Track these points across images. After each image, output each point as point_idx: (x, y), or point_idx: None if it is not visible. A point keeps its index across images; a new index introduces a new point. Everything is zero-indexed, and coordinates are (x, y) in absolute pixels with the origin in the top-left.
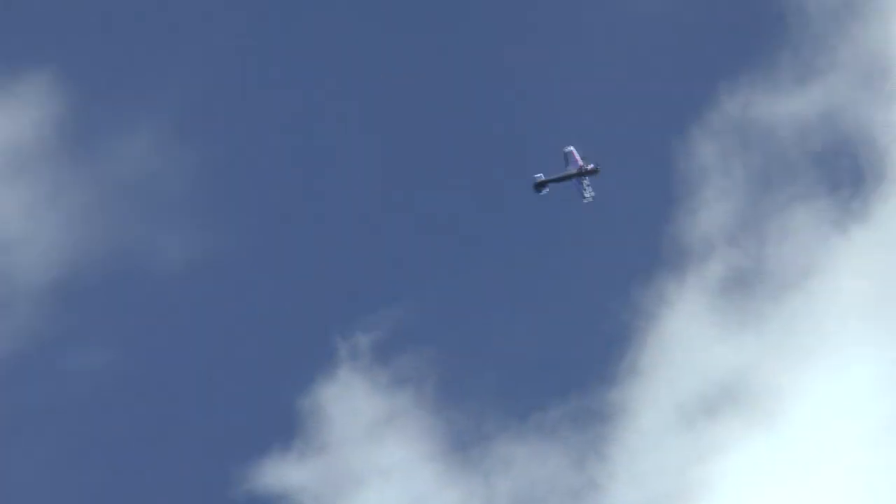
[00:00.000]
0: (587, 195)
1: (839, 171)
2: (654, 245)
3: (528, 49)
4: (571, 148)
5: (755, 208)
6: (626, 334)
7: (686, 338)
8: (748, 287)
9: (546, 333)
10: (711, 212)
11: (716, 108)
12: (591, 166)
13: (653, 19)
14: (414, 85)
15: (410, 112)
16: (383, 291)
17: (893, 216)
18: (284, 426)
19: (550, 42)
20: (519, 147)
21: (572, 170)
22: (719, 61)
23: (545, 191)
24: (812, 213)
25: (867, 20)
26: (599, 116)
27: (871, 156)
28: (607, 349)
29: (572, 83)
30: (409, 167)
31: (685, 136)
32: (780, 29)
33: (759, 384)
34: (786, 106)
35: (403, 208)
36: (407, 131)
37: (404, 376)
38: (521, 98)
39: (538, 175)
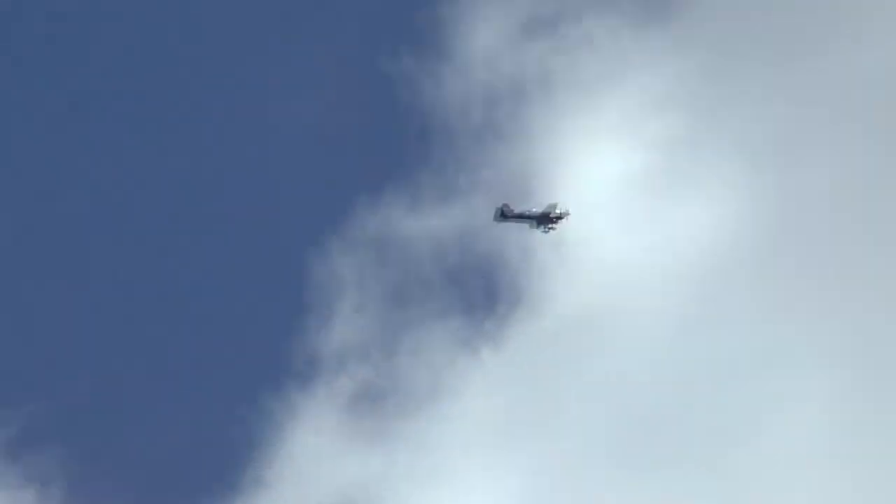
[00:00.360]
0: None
1: (474, 292)
2: (285, 355)
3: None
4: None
5: (388, 324)
6: (253, 444)
7: (313, 451)
8: (378, 403)
9: (172, 440)
10: (345, 325)
11: (354, 222)
12: (559, 211)
13: (298, 130)
14: None
15: None
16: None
17: (525, 340)
18: None
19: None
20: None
21: (536, 211)
22: (360, 175)
23: (507, 221)
24: (445, 332)
25: (509, 142)
26: (235, 224)
27: (506, 278)
28: (234, 458)
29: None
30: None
31: (322, 248)
32: (423, 147)
33: (385, 502)
34: (425, 223)
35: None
36: None
37: (31, 475)
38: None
39: (505, 204)
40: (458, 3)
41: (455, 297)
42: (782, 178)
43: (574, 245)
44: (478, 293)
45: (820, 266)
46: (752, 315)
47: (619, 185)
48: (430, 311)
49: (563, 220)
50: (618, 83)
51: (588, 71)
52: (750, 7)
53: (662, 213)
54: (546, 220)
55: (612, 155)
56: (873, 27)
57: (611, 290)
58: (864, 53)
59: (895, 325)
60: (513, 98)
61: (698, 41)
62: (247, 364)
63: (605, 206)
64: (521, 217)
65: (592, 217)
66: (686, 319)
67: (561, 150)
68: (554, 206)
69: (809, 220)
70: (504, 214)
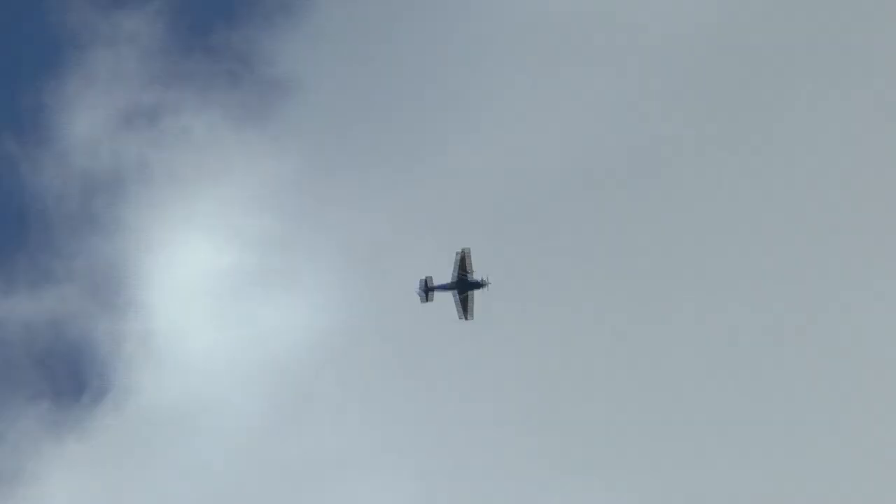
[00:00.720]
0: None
1: (62, 379)
2: None
3: None
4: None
5: None
6: None
7: None
8: None
9: None
10: None
11: None
12: (481, 278)
13: None
14: None
15: None
16: None
17: (111, 429)
18: None
19: None
20: None
21: (457, 278)
22: None
23: (431, 297)
24: (31, 418)
25: (105, 231)
26: None
27: (95, 367)
28: None
29: None
30: None
31: None
32: (20, 231)
33: None
34: (16, 308)
35: None
36: None
37: None
38: None
39: (428, 277)
40: (61, 89)
41: (43, 383)
42: (374, 279)
43: (164, 337)
44: (66, 381)
45: (402, 366)
46: (338, 413)
47: (212, 279)
48: (17, 395)
49: (485, 288)
50: (215, 179)
51: (186, 165)
52: (346, 113)
53: (254, 309)
54: (465, 286)
55: (206, 250)
56: (468, 138)
57: (199, 383)
58: (453, 159)
59: (459, 438)
60: (110, 187)
61: (296, 143)
62: None
63: (198, 300)
64: (444, 288)
65: (184, 310)
66: (273, 415)
67: (156, 242)
68: (472, 274)
69: (399, 323)
70: (427, 288)
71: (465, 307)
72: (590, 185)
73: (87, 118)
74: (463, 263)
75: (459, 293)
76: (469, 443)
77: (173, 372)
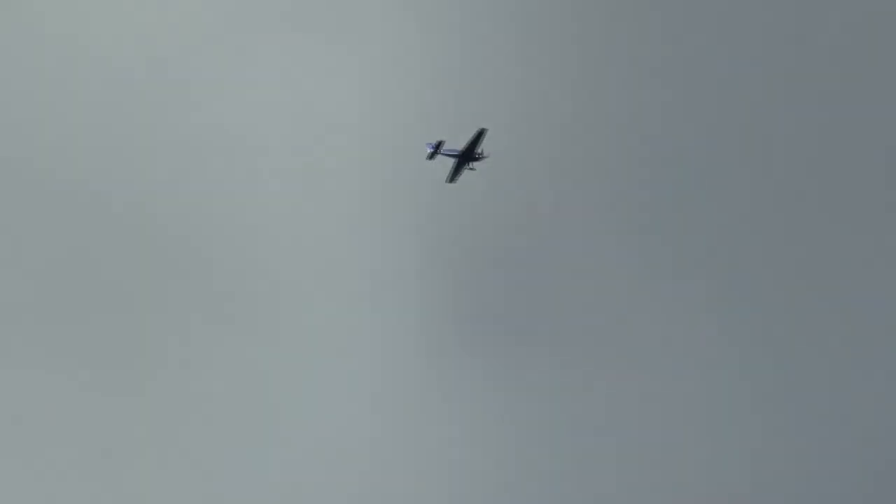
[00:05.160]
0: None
1: None
2: None
3: None
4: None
5: None
6: None
7: None
8: None
9: None
10: None
11: None
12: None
13: None
14: None
15: None
16: None
17: None
18: None
19: None
20: None
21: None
22: None
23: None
24: None
25: None
26: None
27: None
28: None
29: None
30: None
31: None
32: None
33: None
34: None
35: None
36: None
37: None
38: None
39: (442, 141)
40: None
41: None
42: None
43: None
44: None
45: None
46: None
47: None
48: None
49: (482, 160)
50: None
51: None
52: None
53: None
54: (470, 157)
55: None
56: None
57: None
58: None
59: None
60: None
61: None
62: None
63: None
64: (451, 154)
65: None
66: None
67: None
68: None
69: None
70: (438, 149)
71: (455, 172)
72: None
73: None
74: (476, 140)
75: (459, 162)
76: None
77: None
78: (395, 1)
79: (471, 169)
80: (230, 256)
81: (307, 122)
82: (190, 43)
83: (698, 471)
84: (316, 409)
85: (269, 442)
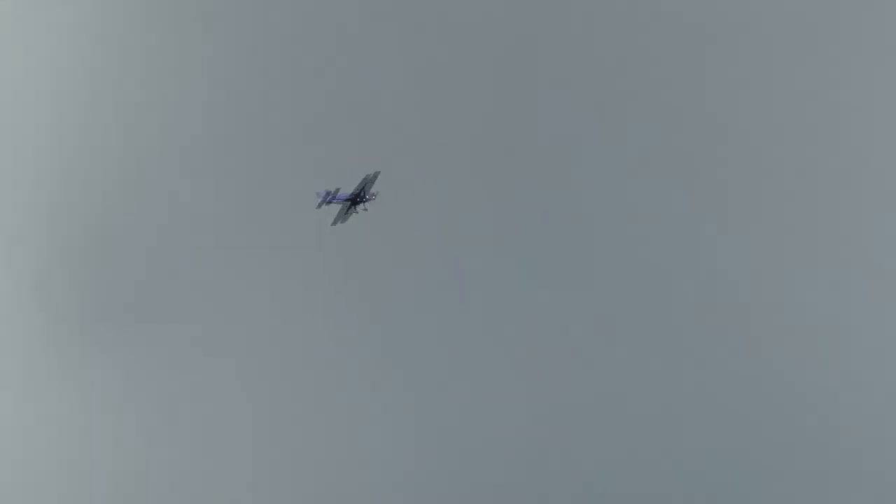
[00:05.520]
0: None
1: None
2: None
3: None
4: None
5: None
6: None
7: None
8: None
9: None
10: None
11: None
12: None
13: None
14: None
15: None
16: None
17: None
18: None
19: None
20: None
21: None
22: None
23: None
24: None
25: None
26: None
27: None
28: None
29: None
30: None
31: None
32: None
33: None
34: None
35: None
36: None
37: None
38: None
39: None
40: None
41: None
42: None
43: None
44: None
45: None
46: None
47: None
48: None
49: (373, 200)
50: None
51: None
52: None
53: None
54: (360, 199)
55: None
56: None
57: None
58: None
59: None
60: None
61: None
62: None
63: None
64: (341, 199)
65: None
66: None
67: None
68: (364, 185)
69: None
70: (327, 199)
71: (342, 215)
72: None
73: None
74: (366, 185)
75: (350, 206)
76: None
77: None
78: None
79: (364, 210)
80: None
81: None
82: None
83: None
84: None
85: None
